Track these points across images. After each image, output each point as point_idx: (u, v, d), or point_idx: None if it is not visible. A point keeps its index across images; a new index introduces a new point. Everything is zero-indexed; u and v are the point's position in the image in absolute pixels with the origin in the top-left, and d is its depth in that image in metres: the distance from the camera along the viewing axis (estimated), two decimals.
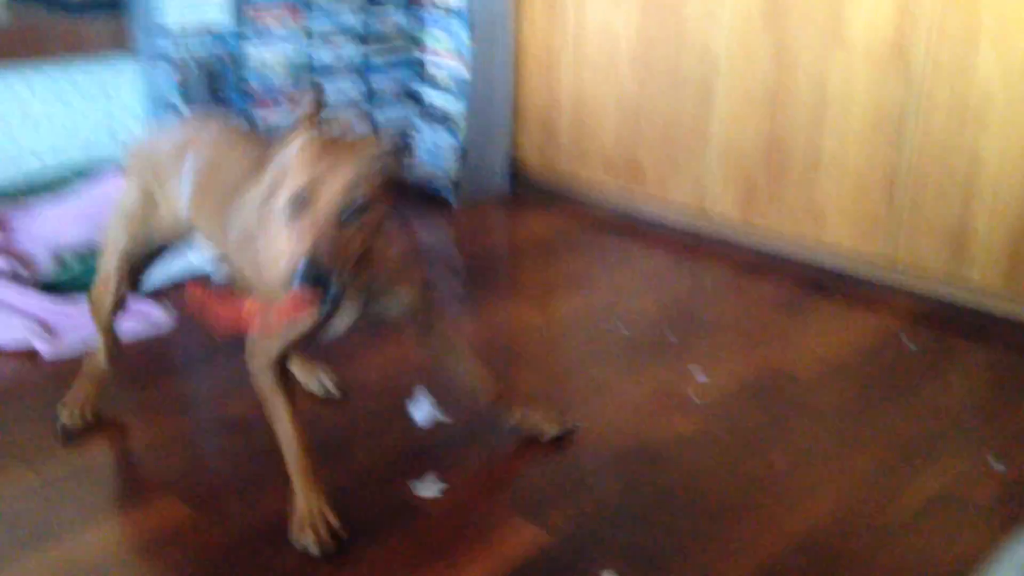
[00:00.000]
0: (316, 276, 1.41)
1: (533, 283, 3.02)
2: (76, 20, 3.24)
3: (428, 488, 1.91)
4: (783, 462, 2.02)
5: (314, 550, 1.70)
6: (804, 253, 3.10)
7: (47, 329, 2.44)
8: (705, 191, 3.29)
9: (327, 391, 2.23)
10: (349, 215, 1.48)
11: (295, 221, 1.48)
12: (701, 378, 2.36)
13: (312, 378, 2.23)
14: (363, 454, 2.04)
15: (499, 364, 2.45)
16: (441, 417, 2.16)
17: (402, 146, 1.56)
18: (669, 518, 1.83)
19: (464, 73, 3.45)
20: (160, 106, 3.38)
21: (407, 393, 2.23)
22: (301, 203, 1.48)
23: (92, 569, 1.68)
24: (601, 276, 3.06)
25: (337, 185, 1.47)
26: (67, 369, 2.27)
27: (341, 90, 3.71)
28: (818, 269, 3.04)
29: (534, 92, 3.68)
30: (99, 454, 2.02)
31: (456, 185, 3.54)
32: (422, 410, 2.16)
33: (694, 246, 3.26)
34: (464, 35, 3.40)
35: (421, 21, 3.59)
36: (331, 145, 1.52)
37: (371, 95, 3.83)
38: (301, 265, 1.42)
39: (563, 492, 1.92)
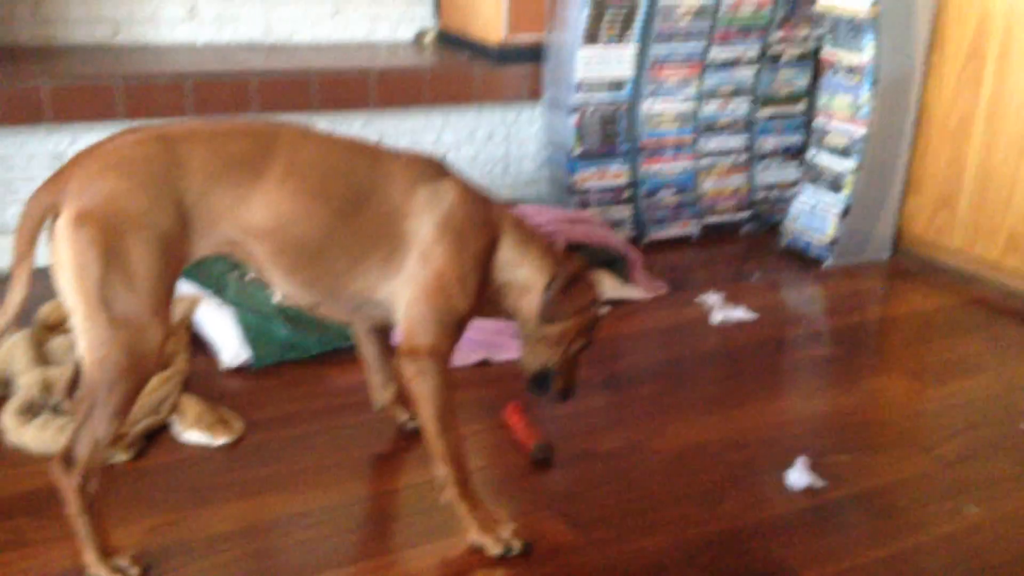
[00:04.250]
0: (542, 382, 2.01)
1: (907, 358, 2.87)
2: (495, 68, 3.56)
3: (803, 554, 1.88)
4: None
5: (496, 550, 1.85)
6: None
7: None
8: None
9: None
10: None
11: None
12: None
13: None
14: (736, 507, 2.04)
15: (859, 435, 2.38)
16: (818, 482, 2.12)
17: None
18: None
19: (859, 131, 3.37)
20: (555, 149, 3.62)
21: (784, 455, 2.22)
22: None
23: (476, 562, 1.82)
24: (991, 363, 2.84)
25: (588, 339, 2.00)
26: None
27: (723, 145, 3.77)
28: None
29: (934, 160, 3.51)
30: (492, 465, 2.18)
31: (832, 244, 3.46)
32: (799, 476, 2.13)
33: None
34: (865, 93, 3.32)
35: (820, 82, 3.55)
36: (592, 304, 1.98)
37: (754, 152, 3.86)
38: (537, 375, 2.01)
39: None
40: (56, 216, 1.61)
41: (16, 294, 1.61)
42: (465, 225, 1.83)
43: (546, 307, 1.90)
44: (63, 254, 1.60)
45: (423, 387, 1.82)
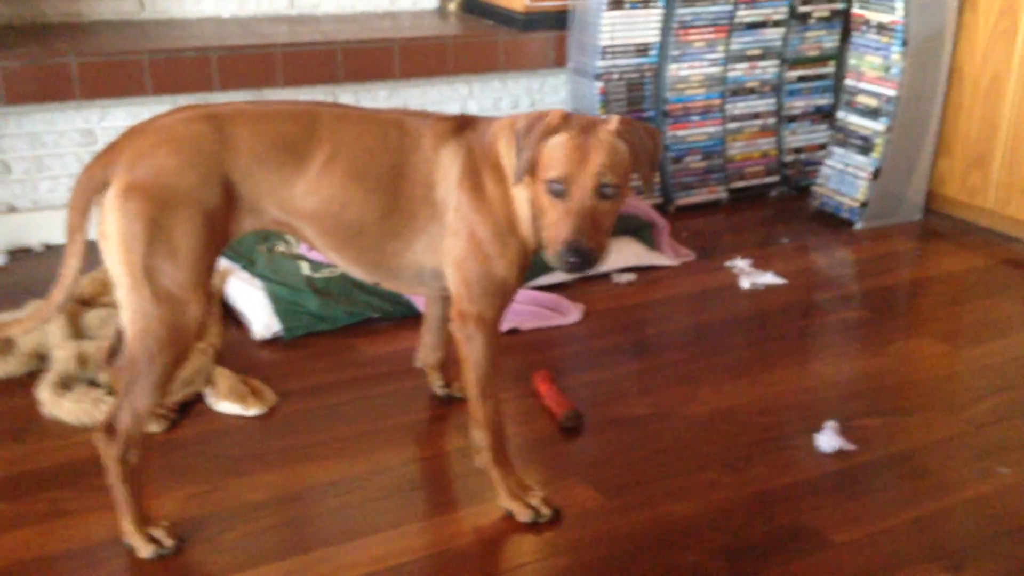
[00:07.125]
0: (577, 253, 1.63)
1: (938, 320, 2.84)
2: (520, 35, 3.54)
3: (832, 517, 1.88)
4: None
5: (525, 517, 1.86)
6: None
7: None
8: None
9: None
10: (601, 196, 1.66)
11: (555, 205, 1.67)
12: None
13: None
14: (764, 471, 2.04)
15: (889, 398, 2.37)
16: (847, 446, 2.11)
17: (642, 128, 1.72)
18: None
19: (890, 92, 3.32)
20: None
21: (813, 419, 2.21)
22: (558, 192, 1.66)
23: (506, 528, 1.85)
24: None
25: (588, 176, 1.65)
26: None
27: (751, 108, 3.73)
28: None
29: (966, 120, 3.45)
30: (522, 432, 2.19)
31: (863, 206, 3.42)
32: (828, 439, 2.12)
33: None
34: (896, 53, 3.27)
35: (850, 42, 3.50)
36: (580, 138, 1.67)
37: (783, 115, 3.81)
38: (563, 247, 1.64)
39: (986, 545, 1.80)
40: (106, 189, 1.64)
41: (70, 267, 1.65)
42: (477, 172, 1.81)
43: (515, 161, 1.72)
44: (110, 226, 1.63)
45: (470, 353, 1.85)
